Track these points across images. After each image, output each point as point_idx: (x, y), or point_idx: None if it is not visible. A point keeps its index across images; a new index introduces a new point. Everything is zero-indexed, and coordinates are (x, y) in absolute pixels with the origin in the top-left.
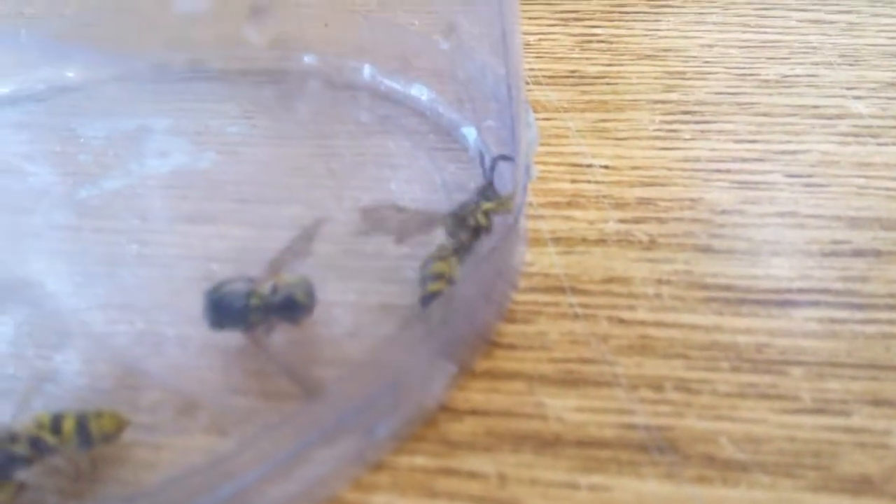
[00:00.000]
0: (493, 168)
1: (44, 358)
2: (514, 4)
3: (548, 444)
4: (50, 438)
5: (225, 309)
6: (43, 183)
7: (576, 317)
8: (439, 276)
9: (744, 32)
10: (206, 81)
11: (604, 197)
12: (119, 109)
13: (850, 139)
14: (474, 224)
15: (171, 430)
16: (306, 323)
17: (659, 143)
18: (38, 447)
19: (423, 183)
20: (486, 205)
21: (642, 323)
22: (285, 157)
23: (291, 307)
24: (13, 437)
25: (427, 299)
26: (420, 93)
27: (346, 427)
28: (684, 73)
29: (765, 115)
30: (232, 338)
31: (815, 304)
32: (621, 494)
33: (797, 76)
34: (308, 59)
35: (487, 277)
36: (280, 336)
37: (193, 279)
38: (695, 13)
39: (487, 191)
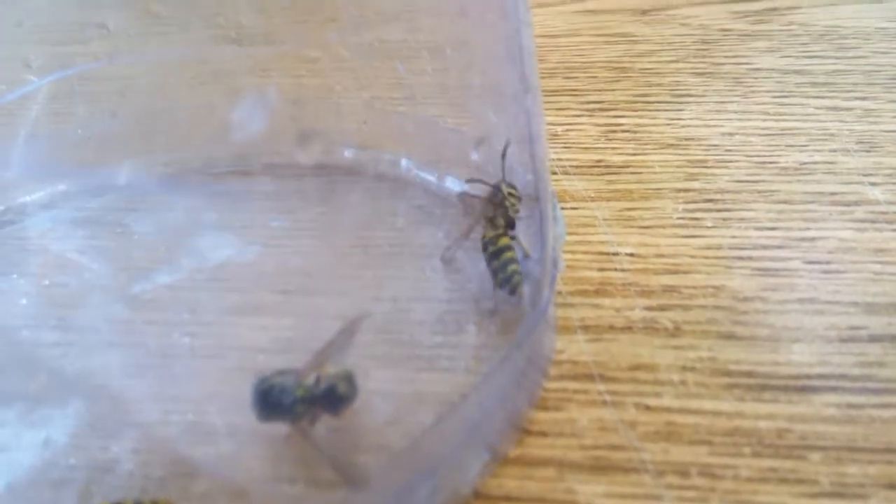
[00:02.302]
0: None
1: (102, 448)
2: (539, 109)
3: None
4: None
5: (272, 401)
6: (98, 277)
7: (604, 404)
8: (505, 250)
9: (764, 120)
10: (251, 176)
11: (630, 285)
12: (169, 205)
13: (866, 225)
14: (509, 205)
15: None
16: (348, 413)
17: (682, 231)
18: None
19: (458, 271)
20: (510, 189)
21: (668, 410)
22: (326, 249)
23: (334, 399)
24: None
25: (506, 281)
26: (453, 184)
27: None
28: (706, 161)
29: (784, 202)
30: (278, 427)
31: (834, 389)
32: None
33: (815, 163)
34: (348, 154)
35: (519, 366)
36: (324, 425)
37: (241, 370)
38: (715, 102)
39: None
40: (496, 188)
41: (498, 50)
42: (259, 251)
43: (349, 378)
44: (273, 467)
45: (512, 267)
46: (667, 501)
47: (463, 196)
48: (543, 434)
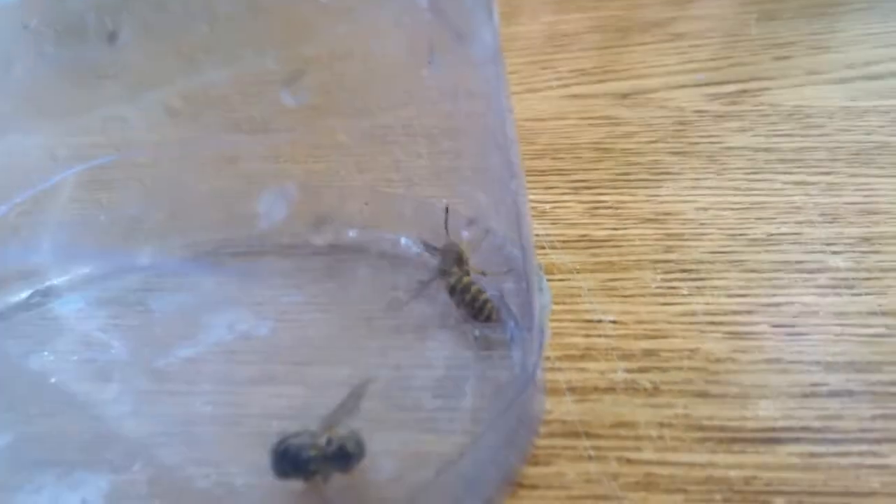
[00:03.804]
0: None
1: None
2: (524, 191)
3: None
4: None
5: (289, 460)
6: (123, 354)
7: (590, 458)
8: (471, 285)
9: (735, 195)
10: (264, 256)
11: (613, 349)
12: (187, 284)
13: (828, 291)
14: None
15: None
16: (356, 470)
17: (660, 299)
18: None
19: (455, 341)
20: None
21: (647, 462)
22: (334, 322)
23: (344, 457)
24: None
25: (481, 311)
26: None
27: None
28: (682, 234)
29: (753, 271)
30: (293, 485)
31: (797, 440)
32: None
33: (782, 234)
34: (352, 234)
35: (511, 425)
36: (335, 483)
37: (258, 434)
38: (691, 179)
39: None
40: (447, 245)
41: (486, 138)
42: (272, 325)
43: (357, 439)
44: None
45: (482, 297)
46: None
47: (427, 247)
48: (534, 487)
